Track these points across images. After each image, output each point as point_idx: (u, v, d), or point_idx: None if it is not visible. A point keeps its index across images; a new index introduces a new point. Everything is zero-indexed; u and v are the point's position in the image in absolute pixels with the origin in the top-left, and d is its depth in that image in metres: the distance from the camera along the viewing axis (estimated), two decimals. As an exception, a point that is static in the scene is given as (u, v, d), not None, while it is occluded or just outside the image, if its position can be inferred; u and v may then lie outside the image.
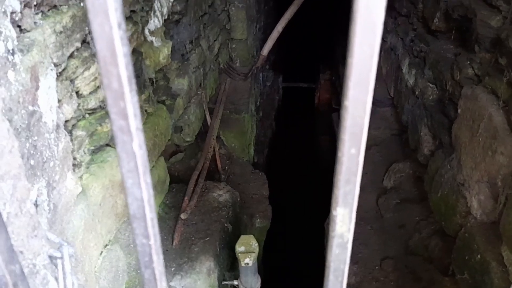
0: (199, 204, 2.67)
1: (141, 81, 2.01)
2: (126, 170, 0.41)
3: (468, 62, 2.29)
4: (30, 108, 1.11)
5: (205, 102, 3.05)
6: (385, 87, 3.74)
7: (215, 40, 3.21)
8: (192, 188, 2.62)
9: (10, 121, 1.01)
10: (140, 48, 1.95)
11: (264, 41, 3.82)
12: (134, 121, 0.38)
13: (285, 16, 3.30)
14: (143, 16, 1.94)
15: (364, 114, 0.37)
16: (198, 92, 2.92)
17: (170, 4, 2.27)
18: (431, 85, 2.73)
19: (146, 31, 2.04)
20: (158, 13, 2.13)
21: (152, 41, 2.10)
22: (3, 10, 0.99)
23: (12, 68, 1.02)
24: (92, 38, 1.41)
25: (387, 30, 3.79)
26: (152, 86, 2.17)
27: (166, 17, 2.25)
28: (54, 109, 1.26)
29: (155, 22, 2.10)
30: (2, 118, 0.80)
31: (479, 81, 2.19)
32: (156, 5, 2.11)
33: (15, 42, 1.04)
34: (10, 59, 1.01)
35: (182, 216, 2.40)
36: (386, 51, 3.79)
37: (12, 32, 1.03)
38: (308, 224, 3.71)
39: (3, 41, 0.98)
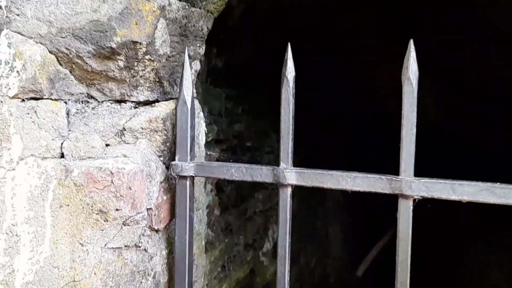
0: None
1: (250, 294, 2.57)
2: None
3: None
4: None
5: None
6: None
7: (312, 256, 3.77)
8: None
9: None
10: (254, 267, 2.59)
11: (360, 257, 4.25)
12: None
13: (379, 243, 3.78)
14: (260, 243, 2.65)
15: None
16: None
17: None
18: None
19: (260, 253, 2.71)
20: (270, 239, 2.84)
21: (263, 261, 2.75)
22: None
23: None
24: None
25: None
26: (256, 298, 2.69)
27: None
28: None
29: (267, 246, 2.79)
30: None
31: None
32: (270, 232, 2.84)
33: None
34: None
35: None
36: None
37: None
38: None
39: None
